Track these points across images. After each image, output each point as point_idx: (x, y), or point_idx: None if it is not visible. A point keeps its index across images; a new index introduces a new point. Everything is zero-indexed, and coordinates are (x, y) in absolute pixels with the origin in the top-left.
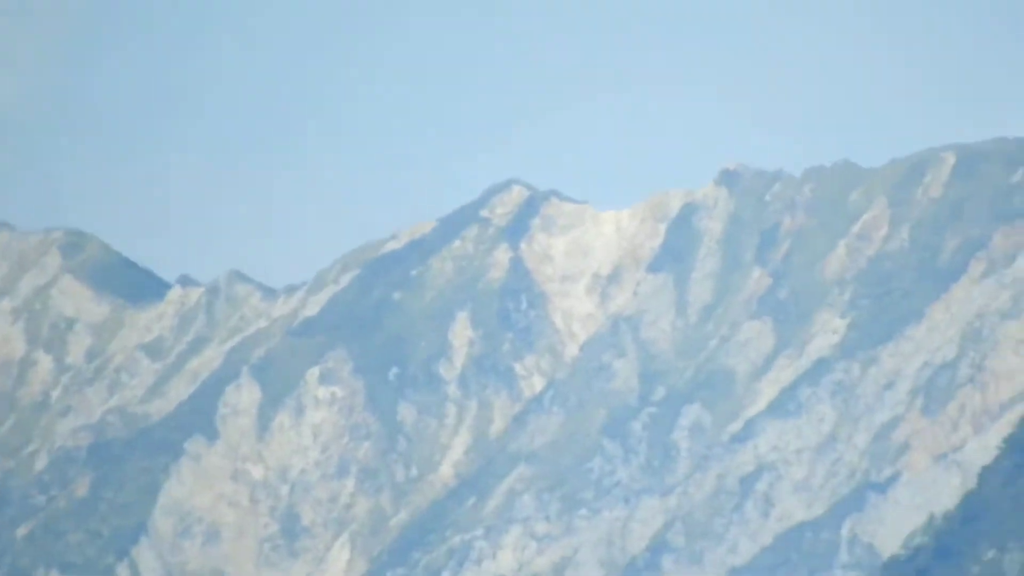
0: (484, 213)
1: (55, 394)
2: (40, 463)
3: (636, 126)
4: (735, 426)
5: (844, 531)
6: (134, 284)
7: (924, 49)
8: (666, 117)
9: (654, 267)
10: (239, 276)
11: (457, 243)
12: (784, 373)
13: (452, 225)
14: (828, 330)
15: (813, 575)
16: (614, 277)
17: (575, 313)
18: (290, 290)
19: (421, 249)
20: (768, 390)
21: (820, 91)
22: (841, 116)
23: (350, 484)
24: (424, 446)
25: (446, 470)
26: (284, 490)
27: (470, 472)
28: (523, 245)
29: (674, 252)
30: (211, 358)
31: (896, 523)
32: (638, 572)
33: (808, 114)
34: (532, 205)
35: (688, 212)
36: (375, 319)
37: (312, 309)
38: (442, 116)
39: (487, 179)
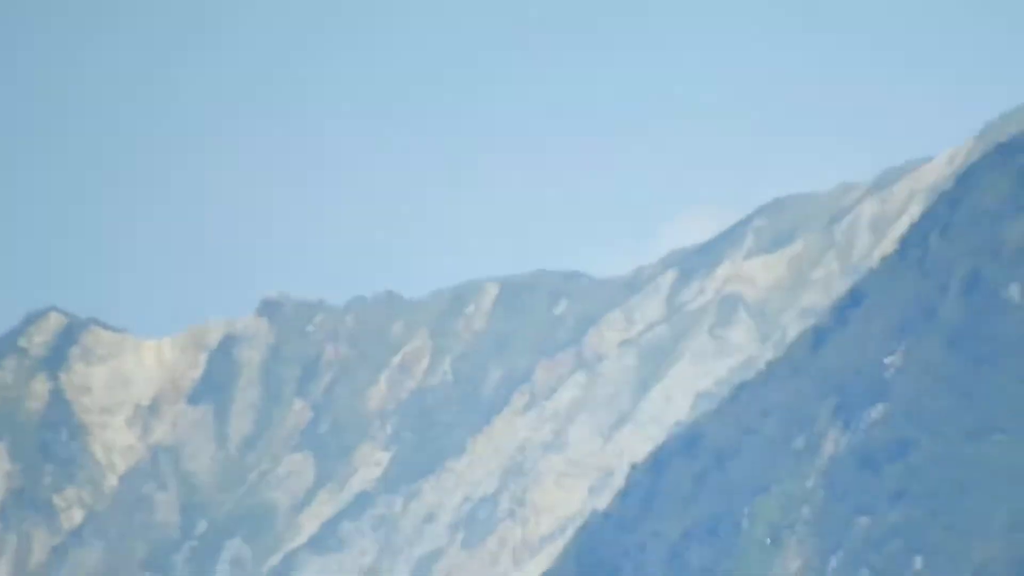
0: (22, 342)
1: None
2: None
3: (177, 251)
4: (275, 560)
5: None
6: None
7: (466, 178)
8: (207, 243)
9: (195, 398)
10: None
11: None
12: (326, 507)
13: None
14: (370, 463)
15: None
16: (154, 408)
17: (115, 444)
18: None
19: None
20: (309, 524)
21: (363, 221)
22: (384, 247)
23: None
24: None
25: None
26: None
27: None
28: (62, 375)
29: (215, 383)
30: None
31: None
32: None
33: (351, 244)
34: (71, 334)
35: (229, 343)
36: None
37: None
38: None
39: (26, 304)
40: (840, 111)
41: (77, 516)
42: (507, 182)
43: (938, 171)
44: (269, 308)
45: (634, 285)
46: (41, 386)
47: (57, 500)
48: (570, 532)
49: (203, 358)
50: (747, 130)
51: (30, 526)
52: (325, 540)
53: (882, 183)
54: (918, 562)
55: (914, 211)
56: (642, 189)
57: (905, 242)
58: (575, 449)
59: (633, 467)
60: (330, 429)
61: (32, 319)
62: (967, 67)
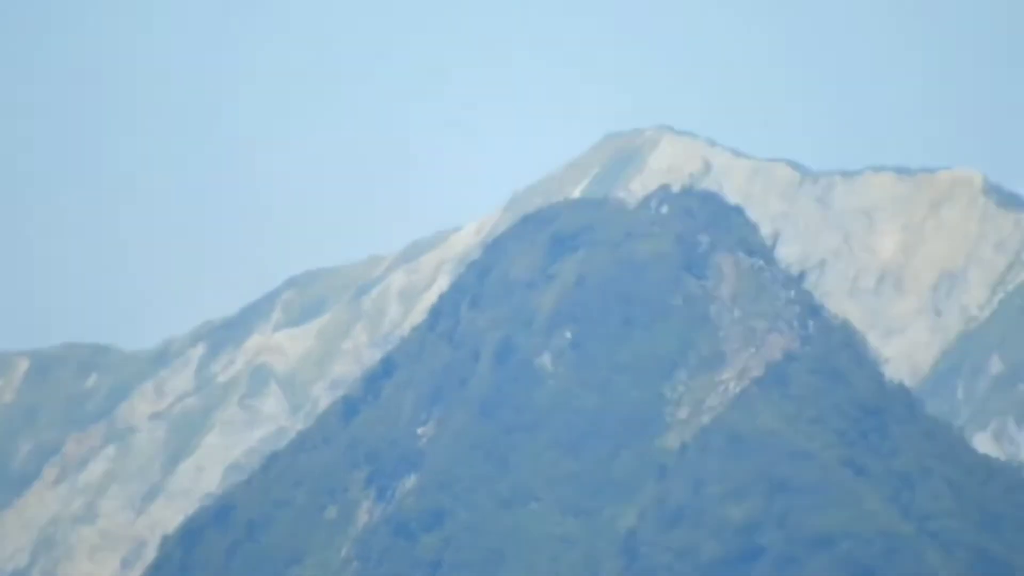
0: None
1: None
2: None
3: None
4: None
5: None
6: None
7: None
8: None
9: None
10: None
11: None
12: None
13: None
14: None
15: None
16: None
17: None
18: None
19: None
20: None
21: None
22: None
23: None
24: None
25: None
26: None
27: None
28: None
29: None
30: None
31: None
32: None
33: None
34: None
35: None
36: None
37: None
38: None
39: None
40: (369, 186)
41: None
42: (33, 255)
43: (466, 241)
44: None
45: (164, 358)
46: None
47: None
48: None
49: None
50: (277, 207)
51: None
52: None
53: (411, 254)
54: None
55: (443, 282)
56: (165, 262)
57: (434, 312)
58: (107, 521)
59: (165, 539)
60: None
61: None
62: (494, 138)
